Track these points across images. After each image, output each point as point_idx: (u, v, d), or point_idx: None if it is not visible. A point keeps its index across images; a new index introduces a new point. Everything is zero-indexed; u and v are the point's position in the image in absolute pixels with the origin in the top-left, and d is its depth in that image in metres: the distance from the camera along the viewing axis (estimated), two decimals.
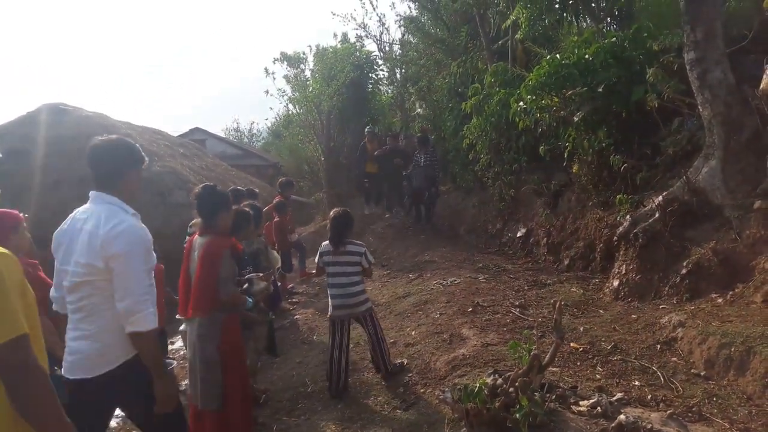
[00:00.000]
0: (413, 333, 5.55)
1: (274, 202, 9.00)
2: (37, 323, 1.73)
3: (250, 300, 4.02)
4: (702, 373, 3.84)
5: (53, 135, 11.58)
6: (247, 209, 4.88)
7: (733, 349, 3.72)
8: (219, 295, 3.61)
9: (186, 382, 4.12)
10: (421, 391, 4.34)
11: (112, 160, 2.68)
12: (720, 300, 4.65)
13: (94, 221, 2.55)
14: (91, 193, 2.67)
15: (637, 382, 3.80)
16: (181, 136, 20.98)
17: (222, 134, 33.96)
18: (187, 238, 5.53)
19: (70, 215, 2.70)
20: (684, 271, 5.11)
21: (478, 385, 3.18)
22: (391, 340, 5.53)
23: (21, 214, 3.25)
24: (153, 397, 2.57)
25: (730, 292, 4.65)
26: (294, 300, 8.57)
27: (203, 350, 3.61)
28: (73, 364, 2.57)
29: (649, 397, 3.54)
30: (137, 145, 2.83)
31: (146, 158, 2.87)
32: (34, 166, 10.57)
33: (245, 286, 4.03)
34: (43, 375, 1.62)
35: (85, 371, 2.54)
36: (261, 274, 4.21)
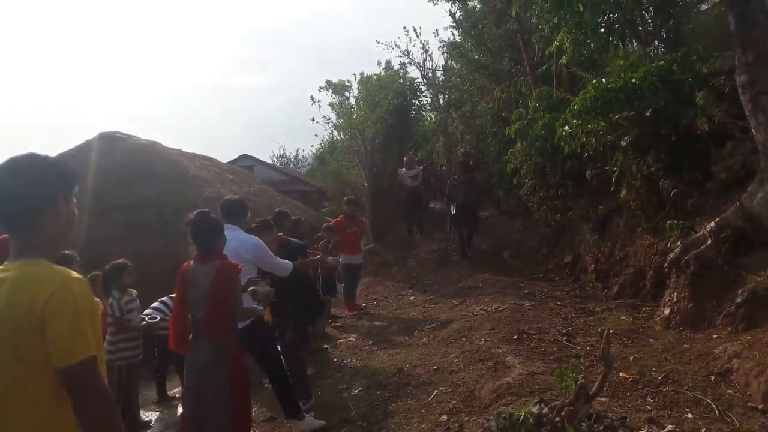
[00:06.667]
0: (456, 360, 5.51)
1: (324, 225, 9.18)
2: (101, 347, 1.82)
3: (260, 307, 4.04)
4: (759, 407, 3.66)
5: (107, 162, 12.09)
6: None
7: None
8: (234, 315, 3.67)
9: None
10: (465, 419, 4.28)
11: (238, 208, 4.85)
12: None
13: (235, 238, 4.42)
14: (227, 226, 4.19)
15: (690, 414, 3.66)
16: (229, 162, 21.55)
17: (269, 160, 34.75)
18: None
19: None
20: (739, 299, 4.92)
21: (523, 414, 3.13)
22: (434, 367, 5.50)
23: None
24: None
25: None
26: (338, 324, 8.61)
27: (216, 377, 3.57)
28: None
29: (702, 430, 3.40)
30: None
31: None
32: (89, 191, 10.99)
33: (250, 288, 3.98)
34: (109, 397, 1.69)
35: None
36: (266, 279, 4.22)
